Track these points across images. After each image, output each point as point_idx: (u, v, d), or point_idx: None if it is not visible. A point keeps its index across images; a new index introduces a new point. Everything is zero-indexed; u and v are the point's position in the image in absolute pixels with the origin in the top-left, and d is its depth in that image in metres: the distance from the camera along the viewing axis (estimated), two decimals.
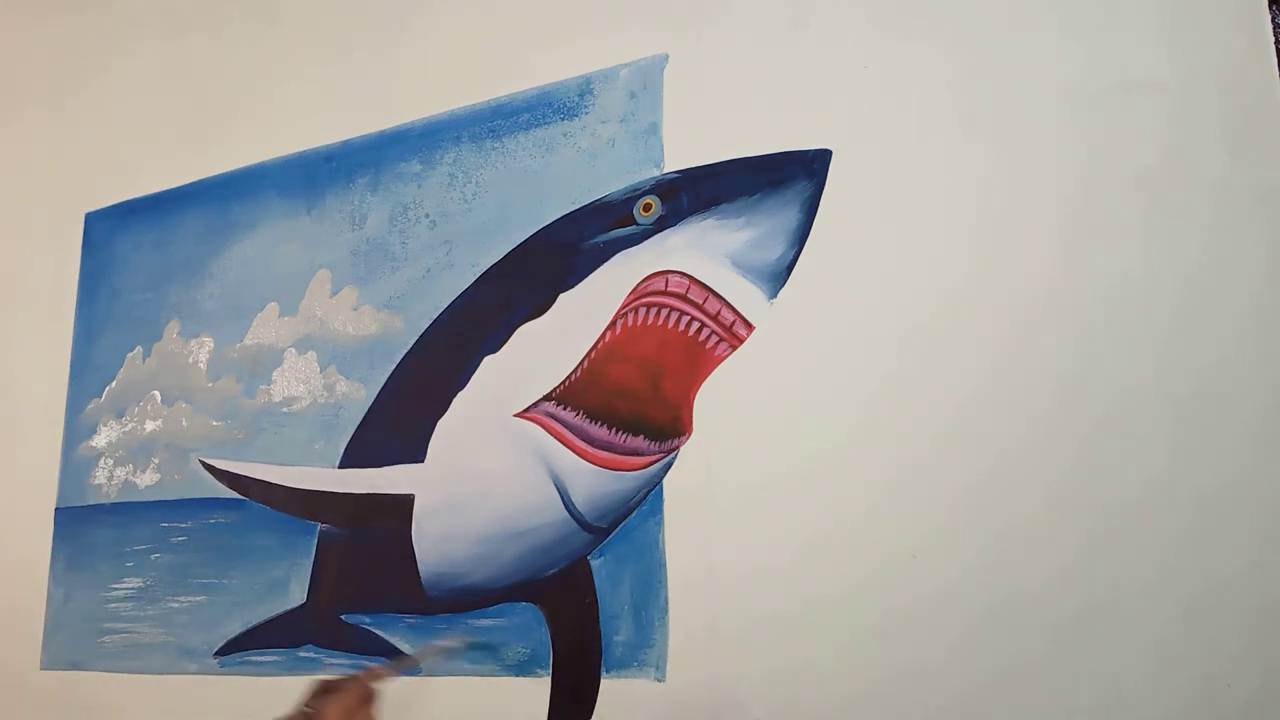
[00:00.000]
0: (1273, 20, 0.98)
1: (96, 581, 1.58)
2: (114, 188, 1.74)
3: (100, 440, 1.65)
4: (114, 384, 1.66)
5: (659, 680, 1.14)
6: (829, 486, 1.09)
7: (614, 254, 1.25)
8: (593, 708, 1.17)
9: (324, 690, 1.01)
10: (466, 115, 1.41)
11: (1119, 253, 1.01)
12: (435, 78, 1.45)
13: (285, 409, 1.47)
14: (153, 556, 1.53)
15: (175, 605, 1.50)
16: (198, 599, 1.48)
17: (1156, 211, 1.00)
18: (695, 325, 1.19)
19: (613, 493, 1.20)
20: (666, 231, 1.22)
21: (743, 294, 1.17)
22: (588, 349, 1.24)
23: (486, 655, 1.25)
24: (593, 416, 1.22)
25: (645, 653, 1.15)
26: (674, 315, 1.20)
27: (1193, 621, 0.93)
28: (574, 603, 1.20)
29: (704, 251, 1.19)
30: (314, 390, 1.45)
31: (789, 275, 1.15)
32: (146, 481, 1.58)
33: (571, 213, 1.29)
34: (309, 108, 1.57)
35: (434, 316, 1.37)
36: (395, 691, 1.30)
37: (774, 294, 1.16)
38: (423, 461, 1.32)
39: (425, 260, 1.39)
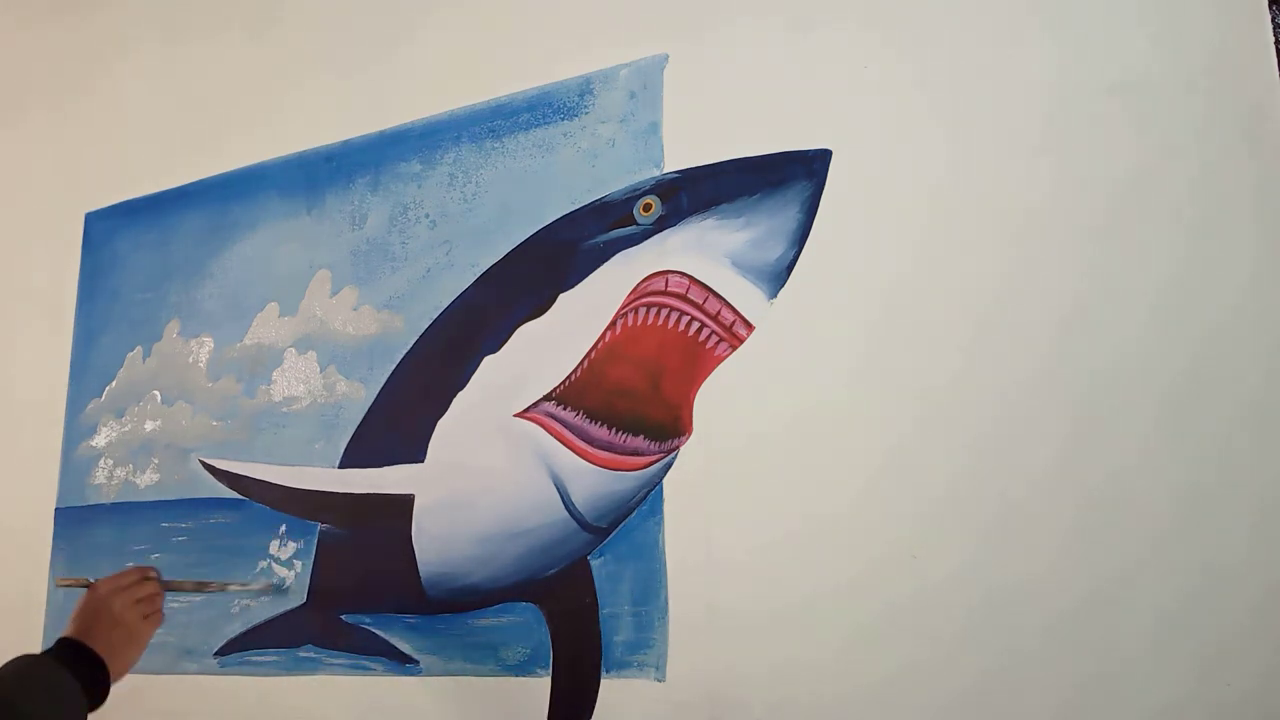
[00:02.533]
0: (1273, 20, 0.98)
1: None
2: (114, 188, 1.74)
3: (100, 440, 1.65)
4: (114, 384, 1.66)
5: (659, 680, 1.14)
6: (829, 486, 1.09)
7: (614, 254, 1.25)
8: (593, 708, 1.17)
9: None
10: (466, 115, 1.41)
11: (1120, 253, 1.01)
12: (435, 78, 1.45)
13: (285, 409, 1.47)
14: (153, 556, 1.53)
15: (175, 605, 1.49)
16: (198, 599, 1.47)
17: (1157, 212, 1.00)
18: (695, 325, 1.19)
19: (613, 493, 1.20)
20: (666, 231, 1.22)
21: (743, 294, 1.17)
22: (588, 349, 1.24)
23: (486, 655, 1.25)
24: (593, 416, 1.22)
25: (645, 653, 1.15)
26: (674, 315, 1.20)
27: (1189, 610, 0.93)
28: (574, 603, 1.20)
29: (704, 251, 1.19)
30: (314, 390, 1.45)
31: (789, 275, 1.15)
32: (146, 481, 1.58)
33: (571, 213, 1.29)
34: (309, 107, 1.57)
35: (434, 316, 1.37)
36: (394, 691, 1.30)
37: (774, 294, 1.16)
38: (423, 461, 1.32)
39: (425, 260, 1.39)
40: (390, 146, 1.47)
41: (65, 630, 1.06)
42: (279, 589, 1.39)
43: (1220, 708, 0.91)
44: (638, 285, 1.23)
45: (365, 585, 1.35)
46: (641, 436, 1.19)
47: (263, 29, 1.66)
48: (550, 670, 1.21)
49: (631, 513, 1.19)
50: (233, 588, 1.38)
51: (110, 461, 1.63)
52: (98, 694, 1.02)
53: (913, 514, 1.05)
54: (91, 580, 1.12)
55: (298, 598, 1.39)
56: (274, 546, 1.43)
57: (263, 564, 1.43)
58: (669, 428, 1.18)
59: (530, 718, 1.20)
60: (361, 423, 1.40)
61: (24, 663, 0.99)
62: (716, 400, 1.17)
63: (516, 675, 1.22)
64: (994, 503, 1.02)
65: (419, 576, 1.31)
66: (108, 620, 1.07)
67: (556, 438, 1.24)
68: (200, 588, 1.31)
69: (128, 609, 1.08)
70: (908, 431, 1.06)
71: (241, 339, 1.54)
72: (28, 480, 1.71)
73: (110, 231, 1.73)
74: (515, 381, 1.28)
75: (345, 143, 1.51)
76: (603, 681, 1.17)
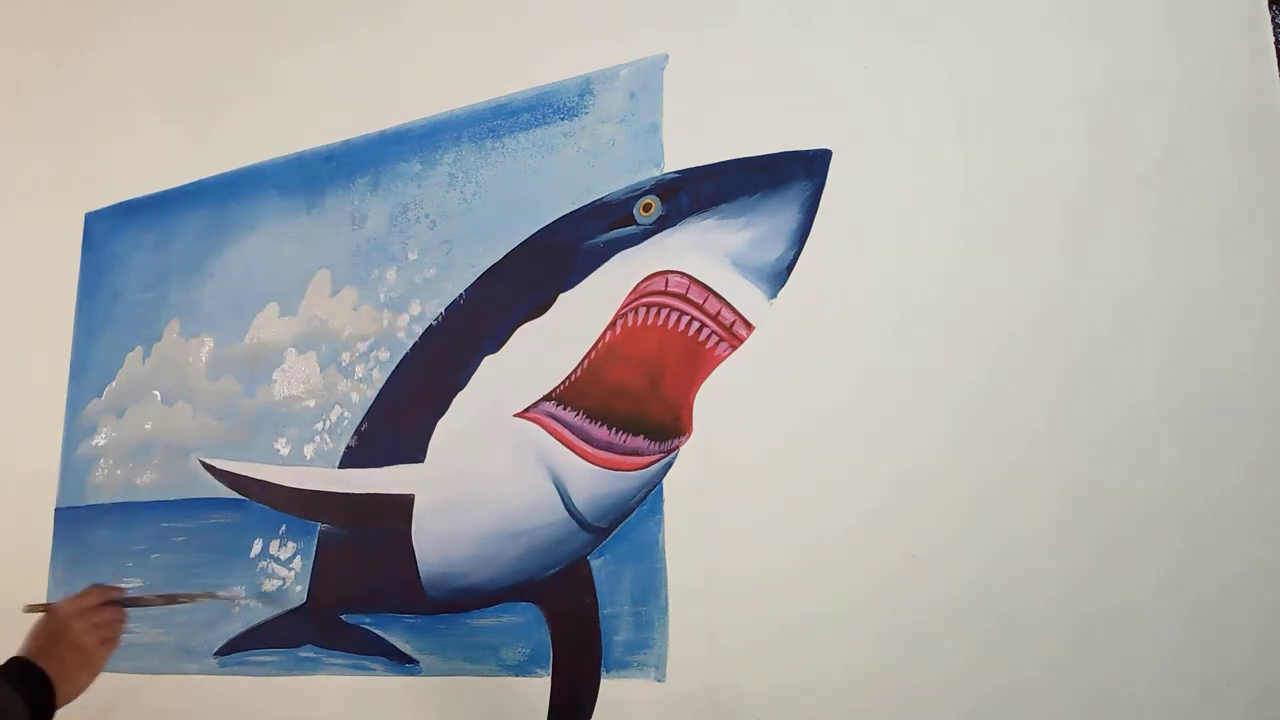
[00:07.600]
0: (1273, 20, 0.98)
1: (96, 581, 1.58)
2: (114, 188, 1.74)
3: (100, 440, 1.65)
4: (114, 384, 1.66)
5: (659, 680, 1.14)
6: (829, 487, 1.09)
7: (614, 254, 1.25)
8: (593, 708, 1.17)
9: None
10: (466, 115, 1.41)
11: (1120, 254, 1.01)
12: (435, 78, 1.45)
13: (285, 409, 1.47)
14: (153, 556, 1.53)
15: (175, 605, 1.49)
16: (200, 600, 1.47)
17: (1157, 212, 1.00)
18: (695, 325, 1.18)
19: (613, 493, 1.20)
20: (666, 231, 1.22)
21: (743, 294, 1.17)
22: (588, 349, 1.24)
23: (486, 655, 1.25)
24: (593, 416, 1.22)
25: (645, 653, 1.15)
26: (674, 315, 1.20)
27: (1199, 629, 0.92)
28: (574, 603, 1.20)
29: (704, 251, 1.19)
30: (314, 390, 1.45)
31: (789, 275, 1.15)
32: (146, 482, 1.58)
33: (571, 213, 1.29)
34: (309, 107, 1.57)
35: (434, 316, 1.37)
36: (394, 691, 1.30)
37: (774, 294, 1.16)
38: (423, 461, 1.32)
39: (425, 260, 1.39)
40: (390, 146, 1.46)
41: (20, 649, 1.06)
42: (268, 595, 1.38)
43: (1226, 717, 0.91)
44: (638, 285, 1.23)
45: (365, 585, 1.35)
46: (641, 436, 1.19)
47: (263, 28, 1.66)
48: (550, 670, 1.21)
49: (631, 513, 1.19)
50: (201, 599, 1.37)
51: (110, 461, 1.63)
52: (42, 715, 1.01)
53: (912, 513, 1.05)
54: (53, 604, 1.11)
55: (293, 600, 1.39)
56: (274, 546, 1.43)
57: (257, 570, 1.42)
58: (669, 428, 1.18)
59: (530, 718, 1.20)
60: (361, 423, 1.40)
61: None
62: (716, 400, 1.17)
63: (516, 675, 1.22)
64: (1000, 507, 1.02)
65: (419, 576, 1.31)
66: (65, 643, 1.07)
67: (556, 438, 1.24)
68: (169, 601, 1.27)
69: (87, 633, 1.08)
70: (907, 431, 1.06)
71: (241, 339, 1.54)
72: (28, 480, 1.71)
73: (110, 231, 1.73)
74: (515, 381, 1.28)
75: (345, 143, 1.51)
76: (603, 681, 1.17)
